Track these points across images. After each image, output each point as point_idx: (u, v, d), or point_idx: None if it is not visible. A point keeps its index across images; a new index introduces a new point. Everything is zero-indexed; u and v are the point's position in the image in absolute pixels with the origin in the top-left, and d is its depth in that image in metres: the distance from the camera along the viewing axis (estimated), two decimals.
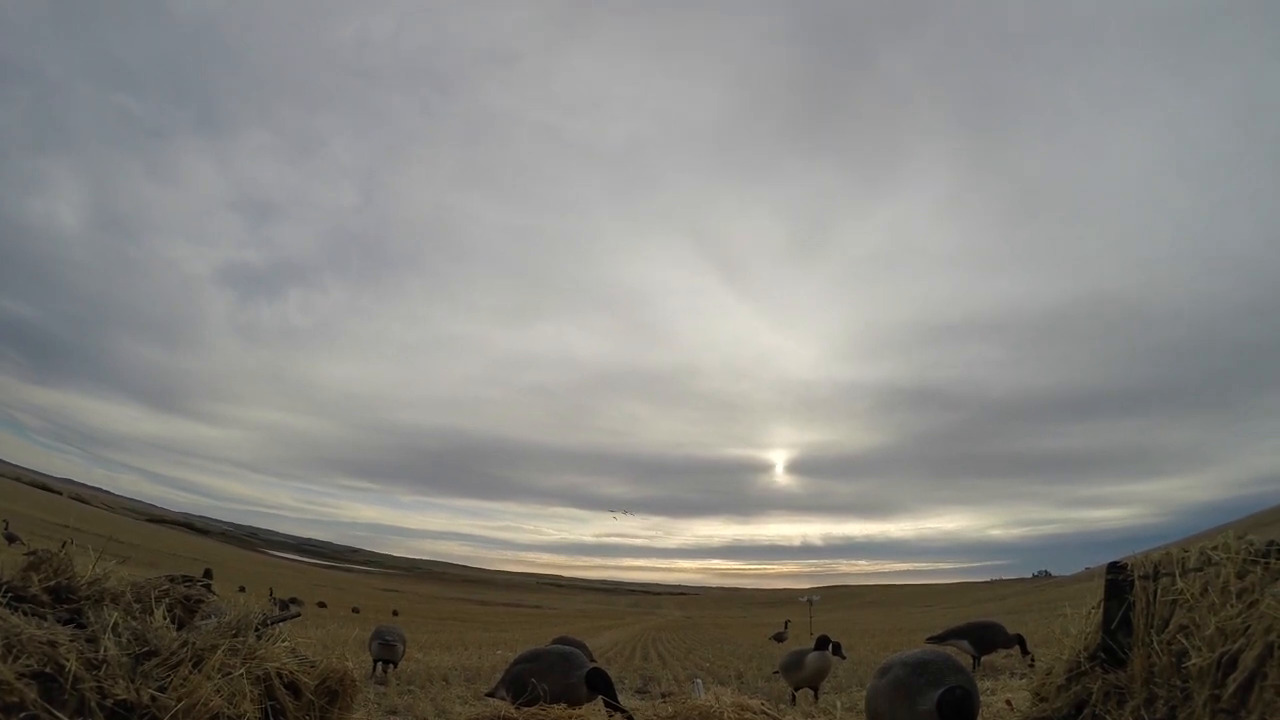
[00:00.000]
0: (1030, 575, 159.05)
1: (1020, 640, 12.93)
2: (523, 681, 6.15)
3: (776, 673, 12.07)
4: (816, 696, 10.11)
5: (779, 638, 31.82)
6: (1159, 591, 3.77)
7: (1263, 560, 3.41)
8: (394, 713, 8.39)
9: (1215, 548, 3.67)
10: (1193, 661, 3.32)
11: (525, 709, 5.56)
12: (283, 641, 4.77)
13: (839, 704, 8.97)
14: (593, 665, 6.44)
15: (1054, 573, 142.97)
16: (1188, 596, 3.58)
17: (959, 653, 12.70)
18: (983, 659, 13.07)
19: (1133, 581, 3.93)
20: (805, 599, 56.68)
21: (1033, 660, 11.62)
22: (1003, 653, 13.48)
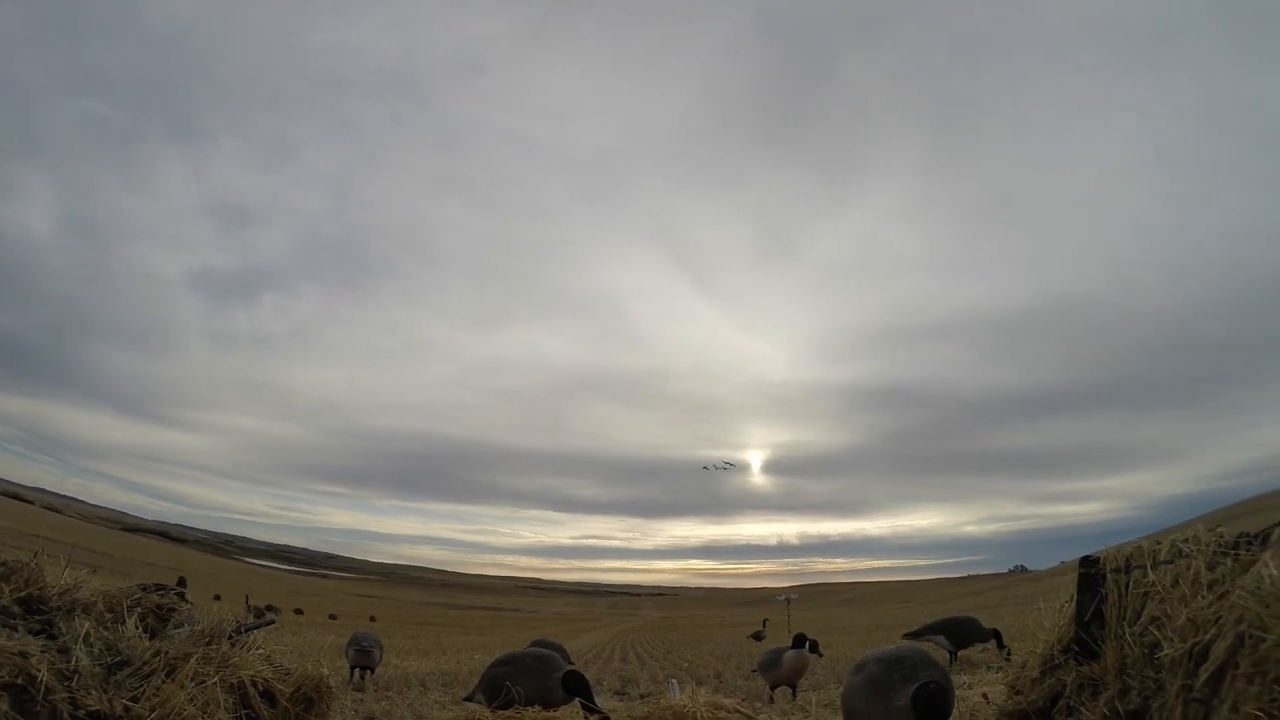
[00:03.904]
0: (1007, 570, 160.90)
1: (996, 635, 13.03)
2: (498, 685, 6.12)
3: (755, 671, 12.08)
4: (795, 694, 10.13)
5: (757, 636, 31.90)
6: (1131, 584, 3.80)
7: (1233, 552, 3.45)
8: (371, 719, 8.30)
9: (1186, 540, 3.70)
10: (1165, 652, 3.34)
11: (501, 712, 5.52)
12: (257, 649, 4.76)
13: (814, 700, 9.00)
14: (570, 668, 6.42)
15: (1030, 567, 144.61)
16: (1159, 589, 3.61)
17: (936, 648, 12.79)
18: (959, 654, 13.16)
19: (1105, 575, 3.96)
20: (783, 598, 56.59)
21: (1009, 654, 11.75)
22: (979, 647, 13.58)
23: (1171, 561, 3.67)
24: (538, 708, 5.72)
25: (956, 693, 4.79)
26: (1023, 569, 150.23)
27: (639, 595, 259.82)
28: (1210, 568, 3.45)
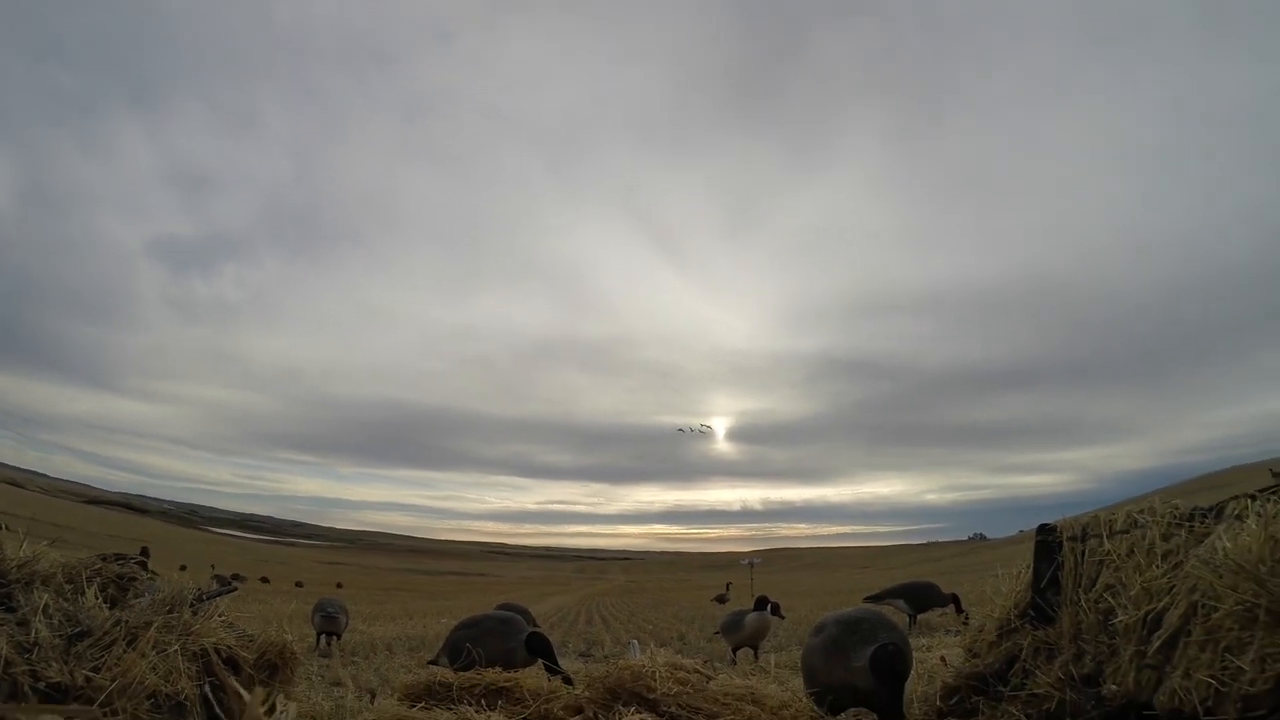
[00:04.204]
0: (966, 538, 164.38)
1: (955, 599, 13.32)
2: (461, 647, 6.15)
3: (718, 633, 12.26)
4: (756, 655, 10.30)
5: (721, 600, 32.39)
6: (1087, 553, 3.87)
7: (1187, 524, 3.52)
8: (338, 684, 8.26)
9: (1141, 511, 3.77)
10: (1119, 619, 3.41)
11: (463, 674, 5.52)
12: (220, 616, 4.70)
13: (774, 661, 9.16)
14: (533, 630, 6.46)
15: (989, 536, 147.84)
16: (1115, 557, 3.67)
17: (895, 612, 13.05)
18: (919, 617, 13.44)
19: (1061, 543, 4.03)
20: (746, 562, 57.58)
21: (967, 618, 12.01)
22: (938, 611, 13.90)
23: (1127, 531, 3.74)
24: (498, 669, 5.73)
25: (915, 655, 4.87)
26: (982, 537, 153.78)
27: (605, 560, 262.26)
28: (1165, 538, 3.52)
